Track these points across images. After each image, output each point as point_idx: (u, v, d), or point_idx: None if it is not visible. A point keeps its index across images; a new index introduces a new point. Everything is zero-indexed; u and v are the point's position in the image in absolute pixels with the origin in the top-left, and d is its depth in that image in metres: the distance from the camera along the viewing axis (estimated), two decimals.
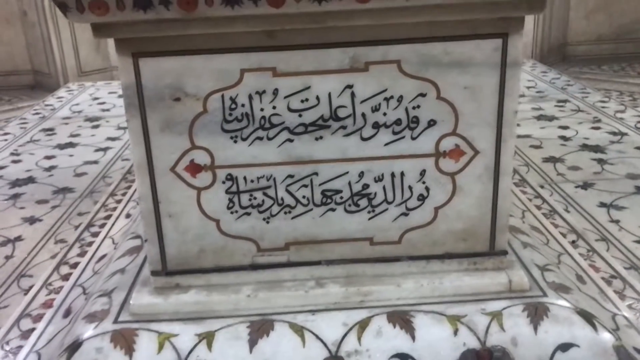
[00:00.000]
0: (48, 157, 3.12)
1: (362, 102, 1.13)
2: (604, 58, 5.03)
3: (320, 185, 1.18)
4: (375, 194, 1.19)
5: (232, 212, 1.19)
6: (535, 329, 1.14)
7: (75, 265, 1.89)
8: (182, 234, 1.20)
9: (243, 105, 1.13)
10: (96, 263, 1.72)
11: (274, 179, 1.18)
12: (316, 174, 1.18)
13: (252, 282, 1.23)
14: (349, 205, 1.20)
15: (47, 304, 1.71)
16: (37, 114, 3.81)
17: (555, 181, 2.46)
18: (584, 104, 3.46)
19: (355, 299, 1.20)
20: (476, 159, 1.17)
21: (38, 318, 1.65)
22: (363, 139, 1.16)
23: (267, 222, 1.20)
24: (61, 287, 1.77)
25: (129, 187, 2.49)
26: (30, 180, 2.86)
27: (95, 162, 3.03)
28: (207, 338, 1.14)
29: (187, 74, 1.11)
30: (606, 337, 1.15)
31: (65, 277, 1.84)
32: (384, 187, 1.19)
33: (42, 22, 4.84)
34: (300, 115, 1.14)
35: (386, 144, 1.16)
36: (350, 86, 1.12)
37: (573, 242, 1.84)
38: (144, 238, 1.21)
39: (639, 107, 3.58)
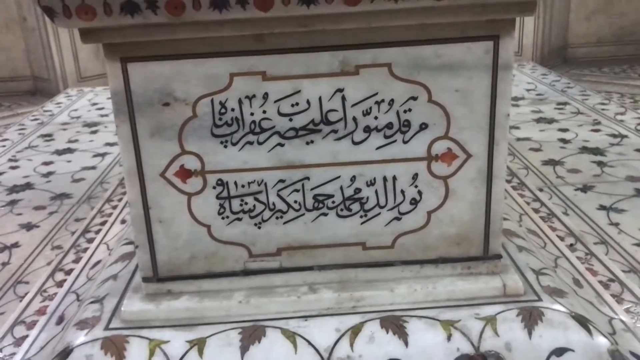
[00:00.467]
0: (46, 163, 3.12)
1: (352, 105, 1.13)
2: (605, 60, 5.01)
3: (311, 189, 1.18)
4: (368, 198, 1.19)
5: (223, 218, 1.19)
6: (530, 333, 1.13)
7: (70, 272, 1.89)
8: (173, 239, 1.19)
9: (233, 110, 1.12)
10: (90, 269, 1.72)
11: (265, 184, 1.17)
12: (307, 178, 1.17)
13: (244, 288, 1.22)
14: (341, 209, 1.19)
15: (41, 311, 1.70)
16: (35, 119, 3.81)
17: (554, 184, 2.45)
18: (584, 107, 3.45)
19: (348, 305, 1.20)
20: (469, 163, 1.17)
21: (32, 325, 1.64)
22: (354, 143, 1.15)
23: (259, 228, 1.20)
24: (56, 294, 1.76)
25: (125, 193, 2.48)
26: (28, 186, 2.86)
27: (93, 167, 3.03)
28: (198, 345, 1.13)
29: (176, 78, 1.10)
30: (601, 341, 1.14)
31: (60, 284, 1.83)
32: (376, 192, 1.18)
33: (41, 28, 4.84)
34: (290, 120, 1.13)
35: (378, 148, 1.15)
36: (340, 90, 1.12)
37: (571, 245, 1.83)
38: (135, 244, 1.20)
39: (639, 109, 3.57)
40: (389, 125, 1.14)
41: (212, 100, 1.11)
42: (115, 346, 1.13)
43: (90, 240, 2.08)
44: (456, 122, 1.14)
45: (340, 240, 1.21)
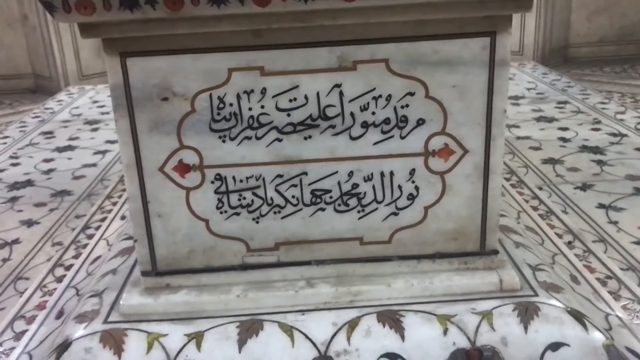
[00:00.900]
0: (47, 160, 3.13)
1: (350, 101, 1.13)
2: (606, 60, 5.02)
3: (309, 185, 1.18)
4: (365, 193, 1.19)
5: (221, 212, 1.20)
6: (526, 328, 1.14)
7: (70, 267, 1.90)
8: (171, 234, 1.20)
9: (231, 105, 1.13)
10: (90, 265, 1.73)
11: (263, 179, 1.18)
12: (305, 173, 1.18)
13: (242, 282, 1.23)
14: (339, 204, 1.20)
15: (41, 306, 1.71)
16: (36, 117, 3.82)
17: (554, 182, 2.45)
18: (584, 106, 3.46)
19: (345, 299, 1.20)
20: (465, 158, 1.17)
21: (31, 320, 1.65)
22: (352, 139, 1.16)
23: (257, 222, 1.21)
24: (55, 289, 1.78)
25: (125, 190, 2.49)
26: (29, 183, 2.87)
27: (94, 165, 3.04)
28: (197, 338, 1.14)
29: (174, 73, 1.11)
30: (597, 336, 1.15)
31: (60, 279, 1.84)
32: (373, 187, 1.19)
33: (43, 26, 4.86)
34: (288, 115, 1.14)
35: (375, 143, 1.16)
36: (338, 85, 1.13)
37: (569, 242, 1.84)
38: (133, 238, 1.21)
39: (639, 108, 3.58)
40: (387, 121, 1.15)
41: (210, 95, 1.12)
42: (113, 339, 1.14)
43: (90, 236, 2.09)
44: (453, 117, 1.15)
45: (338, 235, 1.22)
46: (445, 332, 1.14)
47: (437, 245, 1.23)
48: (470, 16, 1.08)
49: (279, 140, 1.15)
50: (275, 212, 1.20)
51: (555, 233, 1.85)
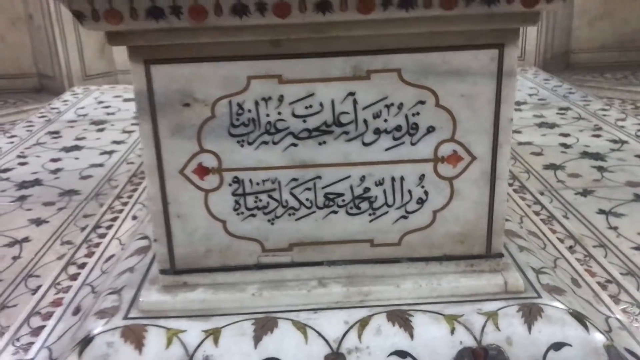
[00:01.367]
0: (54, 160, 3.18)
1: (364, 108, 1.19)
2: (607, 66, 5.08)
3: (323, 188, 1.24)
4: (376, 197, 1.25)
5: (238, 214, 1.25)
6: (529, 328, 1.20)
7: (83, 266, 1.95)
8: (190, 234, 1.26)
9: (249, 111, 1.19)
10: (104, 263, 1.78)
11: (279, 182, 1.24)
12: (319, 177, 1.23)
13: (257, 281, 1.28)
14: (351, 208, 1.26)
15: (56, 303, 1.76)
16: (43, 117, 3.87)
17: (555, 188, 2.51)
18: (585, 112, 3.52)
19: (356, 299, 1.26)
20: (473, 164, 1.23)
21: (47, 316, 1.70)
22: (364, 144, 1.21)
23: (272, 224, 1.26)
24: (69, 287, 1.83)
25: (134, 190, 2.55)
26: (37, 182, 2.92)
27: (101, 165, 3.09)
28: (214, 334, 1.19)
29: (196, 80, 1.16)
30: (597, 337, 1.20)
31: (73, 277, 1.89)
32: (384, 191, 1.25)
33: (47, 26, 4.90)
34: (304, 121, 1.19)
35: (387, 149, 1.22)
36: (352, 93, 1.18)
37: (570, 247, 1.90)
38: (153, 238, 1.27)
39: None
40: (398, 128, 1.20)
41: (230, 102, 1.18)
42: (134, 335, 1.19)
43: (102, 236, 2.14)
44: (462, 125, 1.20)
45: (350, 237, 1.28)
46: (452, 331, 1.19)
47: (444, 248, 1.29)
48: (480, 29, 1.14)
49: (295, 145, 1.21)
50: (289, 214, 1.26)
51: (557, 238, 1.90)
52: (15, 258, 2.19)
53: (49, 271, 2.04)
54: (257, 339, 1.19)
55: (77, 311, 1.56)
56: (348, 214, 1.26)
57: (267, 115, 1.19)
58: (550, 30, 4.78)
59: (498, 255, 1.29)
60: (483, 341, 1.19)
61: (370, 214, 1.26)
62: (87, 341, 1.20)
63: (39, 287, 1.94)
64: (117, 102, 4.11)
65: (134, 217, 2.08)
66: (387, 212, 1.26)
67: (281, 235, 1.27)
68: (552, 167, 2.74)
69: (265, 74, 1.17)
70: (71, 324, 1.50)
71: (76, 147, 3.33)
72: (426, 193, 1.25)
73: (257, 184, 1.23)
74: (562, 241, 1.90)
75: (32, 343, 1.58)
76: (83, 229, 2.37)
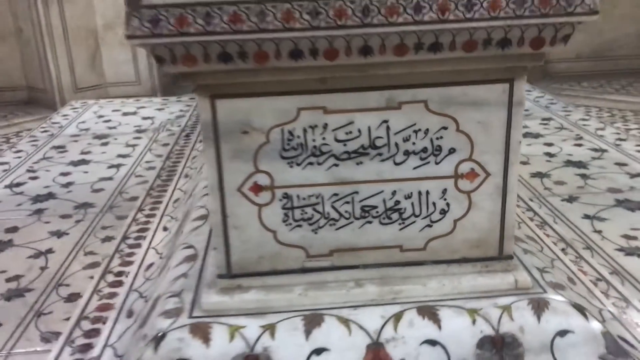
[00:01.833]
0: (64, 174, 3.38)
1: (395, 133, 1.43)
2: (584, 75, 5.40)
3: (360, 202, 1.47)
4: (405, 209, 1.49)
5: (286, 225, 1.48)
6: (539, 318, 1.44)
7: (119, 274, 2.17)
8: (244, 242, 1.48)
9: (298, 137, 1.42)
10: (145, 271, 2.00)
11: (322, 197, 1.47)
12: (357, 192, 1.47)
13: (303, 283, 1.51)
14: (383, 218, 1.49)
15: (101, 308, 1.98)
16: (45, 131, 4.06)
17: (542, 195, 2.78)
18: (566, 122, 3.80)
19: (389, 297, 1.49)
20: (488, 180, 1.47)
21: (96, 320, 1.92)
22: (396, 164, 1.45)
23: (315, 233, 1.49)
24: (112, 293, 2.04)
25: (156, 203, 2.76)
26: (51, 196, 3.12)
27: (110, 178, 3.29)
28: (270, 329, 1.42)
29: (254, 112, 1.39)
30: (596, 325, 1.46)
31: (112, 285, 2.11)
32: (412, 203, 1.48)
33: (37, 39, 5.07)
34: (344, 145, 1.43)
35: (414, 168, 1.45)
36: (386, 121, 1.42)
37: (563, 249, 2.16)
38: (204, 247, 1.48)
39: (617, 123, 3.94)
40: (424, 150, 1.44)
41: (282, 129, 1.41)
42: (201, 331, 1.41)
43: (132, 246, 2.35)
44: (478, 147, 1.45)
45: (382, 244, 1.51)
46: (473, 322, 1.43)
47: (463, 252, 1.53)
48: (494, 67, 1.38)
49: (336, 165, 1.44)
50: (330, 224, 1.49)
51: (552, 241, 2.16)
52: (42, 268, 2.39)
53: (78, 280, 2.25)
54: (308, 332, 1.42)
55: (130, 314, 1.77)
56: (381, 223, 1.50)
57: (313, 140, 1.42)
58: None
59: (509, 257, 1.54)
60: (500, 330, 1.43)
61: (400, 223, 1.50)
62: (160, 337, 1.41)
63: (70, 295, 2.15)
64: (117, 116, 4.30)
65: (165, 229, 2.30)
66: (414, 222, 1.50)
67: (323, 242, 1.50)
68: (539, 175, 3.01)
69: (312, 106, 1.40)
70: (128, 326, 1.72)
71: (83, 161, 3.53)
72: (448, 205, 1.49)
73: (304, 198, 1.46)
74: (555, 244, 2.16)
75: (87, 344, 1.80)
76: (103, 240, 2.58)
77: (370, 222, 1.50)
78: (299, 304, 1.48)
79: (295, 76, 1.35)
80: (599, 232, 2.41)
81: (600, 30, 5.27)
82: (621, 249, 2.27)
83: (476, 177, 1.47)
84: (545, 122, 3.82)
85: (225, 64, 1.30)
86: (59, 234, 2.67)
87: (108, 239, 2.59)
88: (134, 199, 3.00)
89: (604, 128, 3.67)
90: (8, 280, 2.29)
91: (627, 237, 2.37)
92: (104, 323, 1.90)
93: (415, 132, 1.43)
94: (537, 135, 3.58)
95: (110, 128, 4.06)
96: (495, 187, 1.48)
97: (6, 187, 3.22)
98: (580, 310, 1.47)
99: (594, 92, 4.91)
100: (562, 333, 1.43)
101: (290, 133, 1.41)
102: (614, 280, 2.00)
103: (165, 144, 3.71)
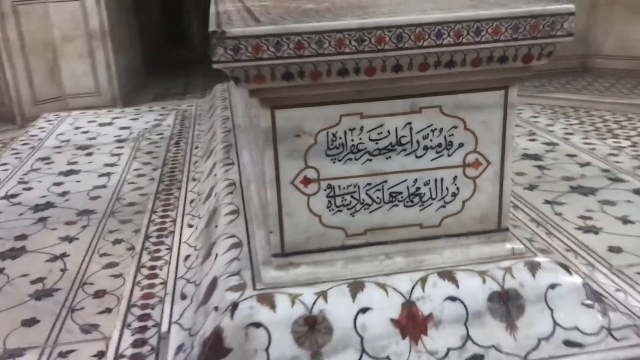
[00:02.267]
0: (57, 184, 3.66)
1: (416, 132, 1.85)
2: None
3: (388, 189, 1.89)
4: (424, 193, 1.91)
5: (329, 210, 1.88)
6: (534, 276, 1.89)
7: (153, 268, 2.52)
8: (295, 226, 1.87)
9: (340, 138, 1.82)
10: (184, 262, 2.36)
11: (358, 186, 1.87)
12: (386, 181, 1.88)
13: (342, 258, 1.91)
14: (407, 202, 1.91)
15: (146, 297, 2.33)
16: (25, 144, 4.31)
17: None
18: (519, 119, 4.32)
19: (413, 265, 1.91)
20: (489, 168, 1.91)
21: (144, 306, 2.27)
22: (417, 157, 1.87)
23: (353, 216, 1.90)
24: (152, 284, 2.39)
25: (166, 204, 3.10)
26: (50, 205, 3.40)
27: (104, 186, 3.59)
28: (322, 295, 1.81)
29: (305, 119, 1.79)
30: (578, 279, 1.91)
31: (149, 277, 2.46)
32: (430, 189, 1.91)
33: None
34: (376, 143, 1.84)
35: (432, 160, 1.88)
36: (409, 123, 1.83)
37: (536, 227, 2.64)
38: (269, 230, 1.86)
39: (561, 119, 4.48)
40: (439, 145, 1.87)
41: (327, 132, 1.81)
42: (267, 299, 1.80)
43: (157, 244, 2.70)
44: (481, 141, 1.88)
45: (406, 223, 1.93)
46: (484, 281, 1.87)
47: (470, 227, 1.96)
48: (494, 78, 1.82)
49: (370, 160, 1.85)
50: (365, 209, 1.90)
51: (526, 220, 2.63)
52: (62, 270, 2.69)
53: (100, 279, 2.55)
54: (354, 295, 1.82)
55: (184, 297, 2.14)
56: (405, 206, 1.91)
57: (352, 140, 1.83)
58: None
59: (506, 230, 1.98)
60: (505, 286, 1.86)
61: (420, 206, 1.92)
62: (234, 307, 1.79)
63: (96, 292, 2.47)
64: (94, 127, 4.59)
65: (190, 225, 2.66)
66: (431, 204, 1.92)
67: (359, 224, 1.91)
68: None
69: (351, 112, 1.80)
70: (185, 306, 2.08)
71: (73, 171, 3.81)
72: (458, 189, 1.92)
73: (343, 188, 1.87)
74: (527, 224, 2.64)
75: (143, 326, 2.15)
76: (114, 242, 2.89)
77: (396, 206, 1.91)
78: (341, 275, 1.88)
79: (340, 89, 1.76)
80: (559, 214, 2.91)
81: None
82: (579, 228, 2.76)
83: (480, 165, 1.91)
84: None
85: (287, 82, 1.70)
86: (69, 239, 2.96)
87: (118, 241, 2.90)
88: (132, 204, 3.32)
89: (553, 124, 4.21)
90: (32, 282, 2.59)
91: (583, 217, 2.87)
92: (153, 309, 2.26)
93: (432, 131, 1.85)
94: None
95: (90, 139, 4.35)
96: (494, 173, 1.92)
97: (2, 198, 3.48)
98: (565, 268, 1.93)
99: (536, 91, 5.45)
100: (553, 286, 1.88)
101: (334, 135, 1.81)
102: (579, 250, 2.49)
103: (149, 152, 4.04)
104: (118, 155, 4.03)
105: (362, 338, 1.77)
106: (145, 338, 2.10)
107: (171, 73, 7.19)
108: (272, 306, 1.79)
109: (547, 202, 3.06)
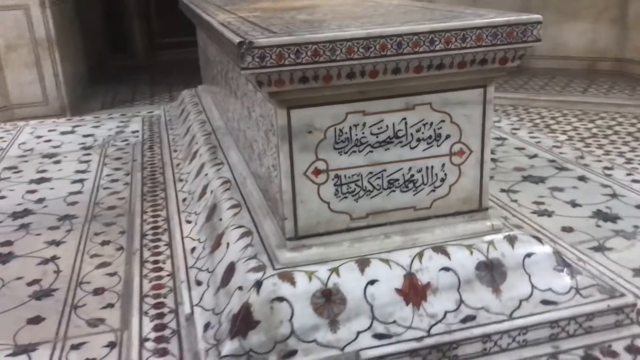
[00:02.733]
0: (30, 192, 3.83)
1: (411, 127, 2.21)
2: None
3: (387, 177, 2.24)
4: (417, 180, 2.27)
5: (337, 197, 2.22)
6: (512, 247, 2.27)
7: (156, 262, 2.78)
8: (307, 212, 2.20)
9: (346, 133, 2.16)
10: (191, 253, 2.65)
11: (361, 175, 2.21)
12: (385, 170, 2.23)
13: (348, 239, 2.25)
14: (403, 188, 2.27)
15: (157, 287, 2.60)
16: None
17: None
18: None
19: (409, 243, 2.27)
20: (471, 155, 2.29)
21: (156, 296, 2.54)
22: (411, 148, 2.23)
23: (356, 202, 2.24)
24: (158, 276, 2.67)
25: (155, 205, 3.37)
26: (28, 212, 3.57)
27: (80, 192, 3.79)
28: (335, 271, 2.15)
29: (316, 117, 2.12)
30: (549, 248, 2.31)
31: (155, 270, 2.73)
32: (422, 176, 2.27)
33: None
34: (377, 137, 2.19)
35: (424, 150, 2.24)
36: (404, 118, 2.19)
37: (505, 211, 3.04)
38: (283, 216, 2.18)
39: (510, 116, 4.94)
40: (430, 137, 2.23)
41: (335, 128, 2.14)
42: (287, 277, 2.12)
43: (154, 241, 2.97)
44: (465, 133, 2.26)
45: (402, 206, 2.28)
46: (471, 253, 2.24)
47: (456, 207, 2.34)
48: (475, 78, 2.20)
49: (371, 152, 2.20)
50: (367, 195, 2.24)
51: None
52: (56, 272, 2.87)
53: (96, 278, 2.76)
54: (362, 270, 2.16)
55: (199, 283, 2.43)
56: (401, 191, 2.27)
57: (356, 135, 2.17)
58: None
59: (486, 209, 2.36)
60: (489, 257, 2.24)
61: (413, 191, 2.28)
62: (258, 284, 2.10)
63: (95, 289, 2.69)
64: (56, 136, 4.78)
65: (188, 222, 2.94)
66: (423, 189, 2.28)
67: (362, 208, 2.25)
68: None
69: (355, 110, 2.15)
70: (203, 290, 2.38)
71: (44, 179, 4.00)
72: (445, 175, 2.29)
73: (349, 177, 2.21)
74: (495, 208, 3.04)
75: (160, 313, 2.43)
76: (102, 244, 3.12)
77: (394, 191, 2.26)
78: (348, 254, 2.22)
79: (346, 90, 2.10)
80: (515, 201, 3.33)
81: None
82: (534, 212, 3.19)
83: (464, 154, 2.28)
84: None
85: (303, 85, 2.03)
86: (56, 243, 3.15)
87: (106, 242, 3.12)
88: (113, 207, 3.55)
89: (500, 120, 4.67)
90: (29, 284, 2.78)
91: (537, 202, 3.31)
92: (165, 297, 2.53)
93: (424, 125, 2.22)
94: None
95: (54, 147, 4.54)
96: (476, 160, 2.30)
97: None
98: (538, 239, 2.32)
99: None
100: (529, 255, 2.27)
101: (340, 130, 2.15)
102: (538, 227, 2.91)
103: (118, 158, 4.28)
104: (87, 162, 4.24)
105: (372, 306, 2.11)
106: (165, 322, 2.37)
107: (117, 81, 7.37)
108: (292, 282, 2.11)
109: (503, 190, 3.48)
